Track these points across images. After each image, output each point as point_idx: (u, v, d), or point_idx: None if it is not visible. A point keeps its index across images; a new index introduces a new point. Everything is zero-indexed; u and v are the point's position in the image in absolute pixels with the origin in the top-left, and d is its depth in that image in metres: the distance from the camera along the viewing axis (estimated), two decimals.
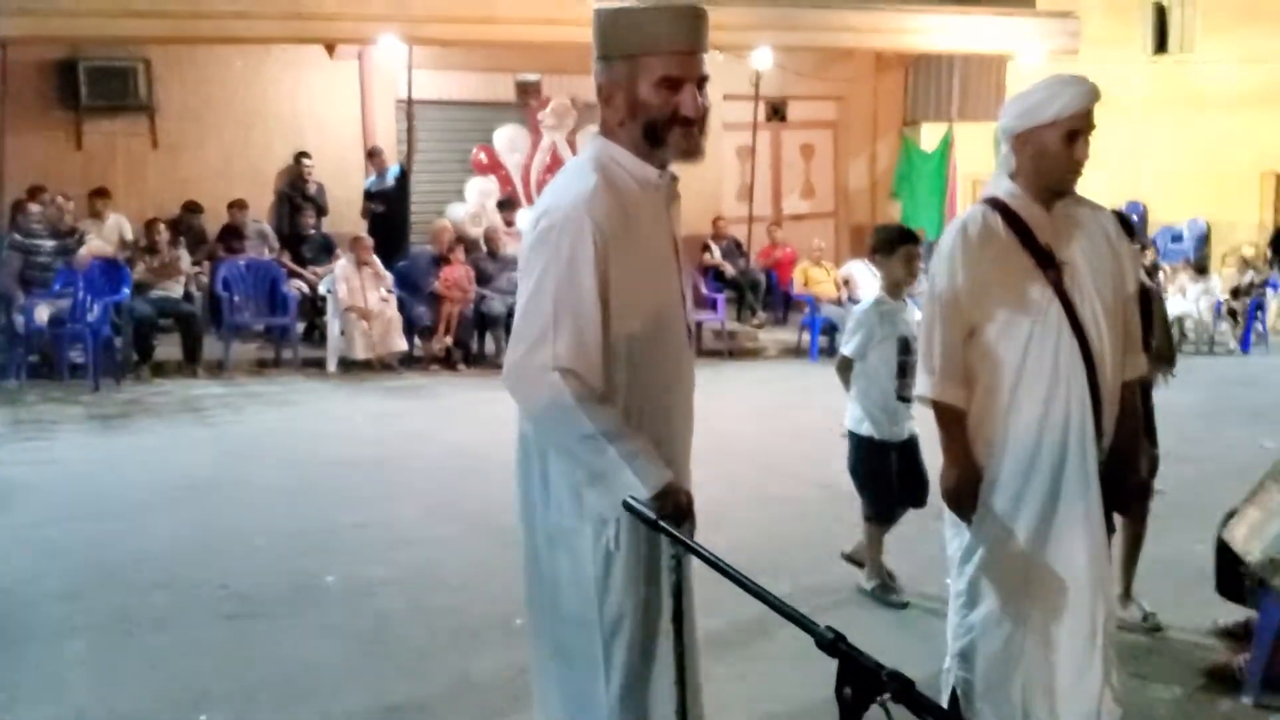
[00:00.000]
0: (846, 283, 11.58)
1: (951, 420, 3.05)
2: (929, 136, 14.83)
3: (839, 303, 11.36)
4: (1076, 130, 2.95)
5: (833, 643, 1.25)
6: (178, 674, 3.91)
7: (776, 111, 14.31)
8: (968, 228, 3.03)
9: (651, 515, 1.53)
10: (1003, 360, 2.97)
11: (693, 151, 2.40)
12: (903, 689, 1.18)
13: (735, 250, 12.88)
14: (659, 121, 2.34)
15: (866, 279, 11.54)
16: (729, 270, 12.58)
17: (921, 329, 3.15)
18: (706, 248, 12.73)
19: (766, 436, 7.93)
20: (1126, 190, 15.28)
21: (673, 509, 2.21)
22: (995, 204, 3.05)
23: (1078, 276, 2.96)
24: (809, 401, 9.31)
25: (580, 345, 2.25)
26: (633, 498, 1.60)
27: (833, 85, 14.03)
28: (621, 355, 2.33)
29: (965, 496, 3.04)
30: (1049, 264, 2.95)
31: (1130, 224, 4.54)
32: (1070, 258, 2.97)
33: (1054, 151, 2.95)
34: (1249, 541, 2.22)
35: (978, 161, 14.89)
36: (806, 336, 11.46)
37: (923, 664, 3.43)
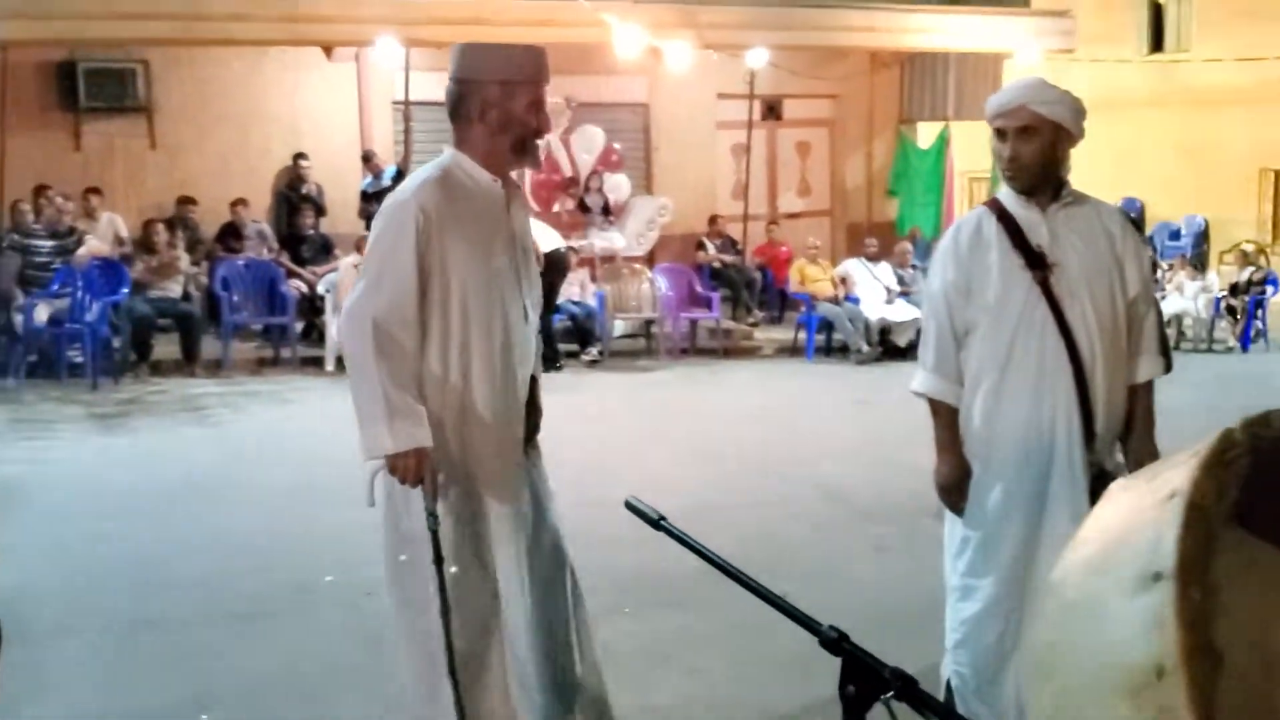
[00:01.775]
0: (843, 281, 11.60)
1: (942, 415, 3.14)
2: (925, 134, 14.85)
3: (835, 301, 11.38)
4: (1000, 130, 3.04)
5: (836, 641, 1.26)
6: (178, 674, 3.93)
7: (772, 110, 14.32)
8: (961, 228, 3.13)
9: (653, 515, 1.55)
10: (989, 359, 3.04)
11: (539, 160, 3.01)
12: (906, 687, 1.20)
13: (730, 248, 12.90)
14: (528, 135, 2.87)
15: (863, 277, 11.57)
16: (728, 259, 12.60)
17: (922, 326, 3.24)
18: (701, 245, 12.74)
19: (761, 436, 7.93)
20: (1123, 188, 15.32)
21: (403, 471, 2.74)
22: (993, 204, 3.12)
23: (1067, 277, 2.99)
24: (804, 401, 9.34)
25: (396, 304, 2.74)
26: (634, 498, 1.63)
27: (828, 84, 14.03)
28: (454, 313, 2.82)
29: (954, 490, 3.12)
30: (1037, 264, 2.99)
31: (1133, 221, 4.57)
32: (1061, 258, 3.00)
33: (994, 149, 3.07)
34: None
35: (974, 159, 14.92)
36: (802, 335, 11.48)
37: (921, 660, 3.45)
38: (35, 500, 6.09)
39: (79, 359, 9.49)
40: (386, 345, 2.73)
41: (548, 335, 10.52)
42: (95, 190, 10.82)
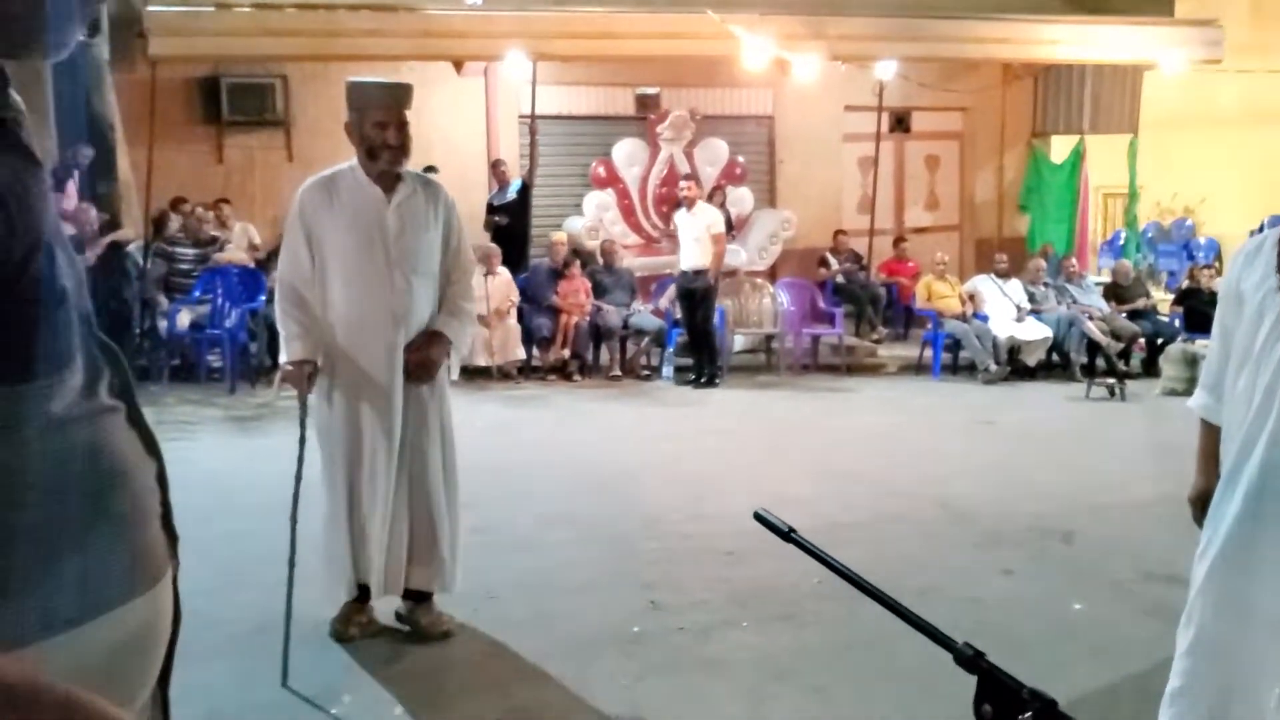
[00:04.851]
0: (972, 298, 11.36)
1: (1202, 432, 3.02)
2: (1059, 148, 14.49)
3: (963, 318, 11.15)
4: None
5: (972, 659, 1.23)
6: (310, 669, 4.03)
7: (900, 122, 14.14)
8: (1247, 244, 3.01)
9: (783, 527, 1.53)
10: (1235, 382, 2.92)
11: (395, 162, 4.02)
12: (1045, 708, 1.16)
13: (855, 263, 12.75)
14: (373, 147, 3.98)
15: (993, 294, 11.31)
16: (851, 270, 12.44)
17: None
18: (824, 261, 12.62)
19: (883, 454, 7.81)
20: (1273, 204, 14.68)
21: (286, 375, 4.04)
22: None
23: None
24: (929, 419, 9.16)
25: (292, 265, 4.03)
26: (763, 510, 1.62)
27: (959, 96, 13.80)
28: (334, 275, 4.00)
29: (1195, 507, 2.97)
30: None
31: None
32: None
33: None
34: None
35: (1110, 174, 14.47)
36: (928, 352, 11.27)
37: (1045, 688, 3.34)
38: (176, 499, 6.30)
39: (218, 364, 9.85)
40: (289, 294, 4.00)
41: (713, 351, 10.46)
42: (225, 200, 11.25)
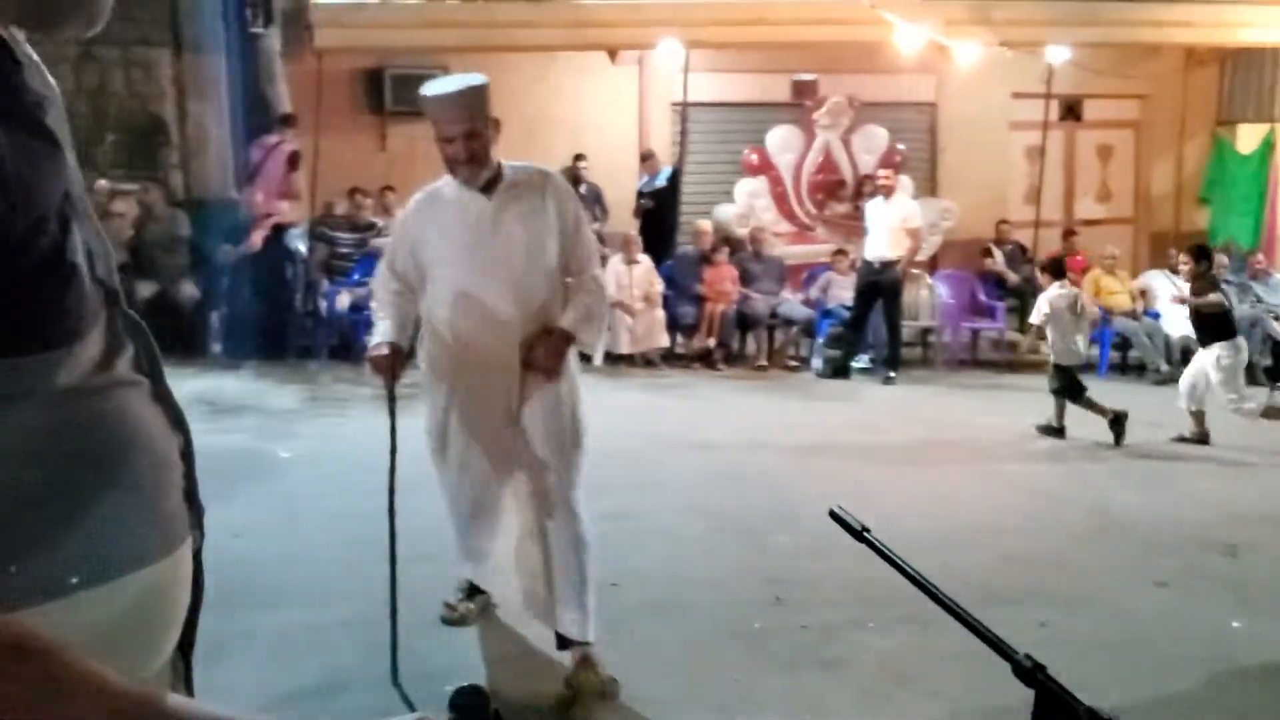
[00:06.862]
0: (1143, 294, 10.78)
1: None
2: (1247, 137, 13.62)
3: (1134, 315, 10.58)
4: None
5: (1030, 672, 1.13)
6: (439, 645, 4.09)
7: (1071, 110, 13.52)
8: None
9: (856, 526, 1.43)
10: None
11: (471, 177, 3.80)
12: None
13: (1019, 255, 12.25)
14: (447, 159, 3.81)
15: (1167, 291, 10.71)
16: (1012, 278, 11.95)
17: None
18: (988, 252, 12.17)
19: (1040, 456, 7.47)
20: None
21: (369, 359, 3.99)
22: None
23: None
24: (1090, 420, 8.70)
25: (388, 265, 4.08)
26: (839, 507, 1.52)
27: (1136, 83, 13.11)
28: (439, 283, 3.92)
29: None
30: None
31: None
32: None
33: None
34: None
35: None
36: (1095, 350, 10.75)
37: (1192, 709, 3.11)
38: (323, 474, 6.50)
39: None
40: (381, 289, 4.07)
41: (897, 345, 10.23)
42: (390, 188, 11.54)
